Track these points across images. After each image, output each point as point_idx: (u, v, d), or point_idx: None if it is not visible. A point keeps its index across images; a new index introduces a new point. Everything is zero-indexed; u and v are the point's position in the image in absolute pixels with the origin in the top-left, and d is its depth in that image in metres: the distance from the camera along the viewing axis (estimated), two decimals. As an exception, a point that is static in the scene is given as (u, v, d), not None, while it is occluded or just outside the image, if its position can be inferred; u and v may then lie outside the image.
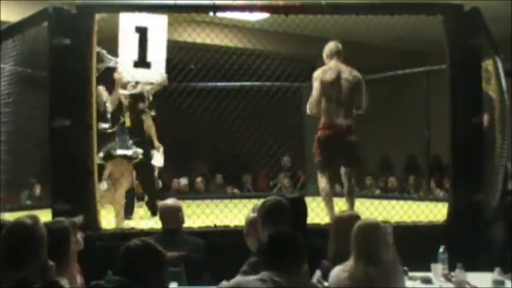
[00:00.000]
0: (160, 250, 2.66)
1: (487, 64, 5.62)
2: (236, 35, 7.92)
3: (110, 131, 5.50)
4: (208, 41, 6.99)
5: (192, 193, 8.92)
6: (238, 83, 7.98)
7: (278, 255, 2.78)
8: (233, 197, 7.88)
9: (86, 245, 3.39)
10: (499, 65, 5.54)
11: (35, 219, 2.69)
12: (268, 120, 8.09)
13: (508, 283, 3.63)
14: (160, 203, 4.47)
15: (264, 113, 8.10)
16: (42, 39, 4.93)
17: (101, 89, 5.51)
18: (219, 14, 6.49)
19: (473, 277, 3.64)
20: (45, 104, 4.90)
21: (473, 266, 3.83)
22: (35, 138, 5.89)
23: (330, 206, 5.36)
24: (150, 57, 5.34)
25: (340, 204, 5.57)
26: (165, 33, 5.38)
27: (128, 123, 5.69)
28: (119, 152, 5.47)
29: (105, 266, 3.43)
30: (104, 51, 5.50)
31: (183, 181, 9.96)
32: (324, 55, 5.50)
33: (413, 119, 9.11)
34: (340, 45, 5.48)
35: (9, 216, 5.06)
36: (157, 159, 6.24)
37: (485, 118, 5.64)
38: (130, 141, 5.57)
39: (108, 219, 5.26)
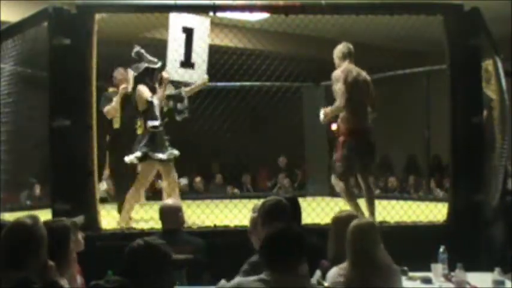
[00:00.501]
0: (164, 251, 2.64)
1: (487, 64, 5.62)
2: (236, 35, 7.90)
3: (160, 128, 5.44)
4: (208, 41, 6.98)
5: (192, 193, 8.91)
6: (238, 83, 7.98)
7: (276, 253, 2.74)
8: (233, 197, 7.88)
9: (86, 245, 3.40)
10: (499, 65, 5.54)
11: (35, 219, 2.69)
12: (268, 120, 8.09)
13: (508, 283, 3.63)
14: (161, 203, 4.47)
15: (263, 113, 8.11)
16: (42, 39, 4.93)
17: (142, 88, 5.47)
18: (219, 14, 6.48)
19: (473, 277, 3.64)
20: (45, 104, 4.91)
21: (473, 266, 3.83)
22: (35, 138, 5.89)
23: (355, 205, 5.19)
24: (194, 57, 5.38)
25: (341, 204, 5.56)
26: (208, 35, 5.39)
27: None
28: (159, 155, 5.36)
29: (105, 266, 3.44)
30: (142, 51, 5.50)
31: (183, 181, 9.96)
32: (336, 57, 5.34)
33: (413, 119, 9.11)
34: (351, 47, 5.35)
35: (9, 216, 5.06)
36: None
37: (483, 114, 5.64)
38: (167, 143, 5.51)
39: (107, 219, 5.26)
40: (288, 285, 2.67)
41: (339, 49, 5.35)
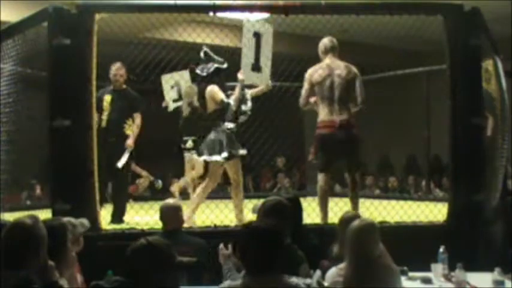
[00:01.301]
0: (168, 252, 2.58)
1: (487, 64, 5.62)
2: (236, 35, 7.90)
3: (235, 130, 5.65)
4: (208, 41, 6.98)
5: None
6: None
7: (251, 254, 2.62)
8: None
9: (86, 245, 3.40)
10: (499, 65, 5.54)
11: (35, 219, 2.69)
12: (268, 121, 8.08)
13: (508, 283, 3.63)
14: (161, 204, 4.46)
15: (263, 113, 8.09)
16: (42, 39, 4.93)
17: (215, 88, 5.58)
18: (219, 14, 6.49)
19: (473, 277, 3.64)
20: (45, 104, 4.90)
21: (473, 266, 3.83)
22: (35, 138, 5.89)
23: (324, 206, 5.28)
24: (261, 62, 5.46)
25: (341, 204, 5.56)
26: (271, 41, 5.46)
27: None
28: (239, 152, 5.62)
29: (105, 266, 3.44)
30: (210, 51, 5.65)
31: (183, 181, 9.96)
32: (319, 51, 5.42)
33: (413, 119, 9.11)
34: (335, 41, 5.40)
35: (9, 216, 5.06)
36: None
37: (490, 122, 5.65)
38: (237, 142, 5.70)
39: (107, 219, 5.26)
40: (263, 286, 2.57)
41: (322, 43, 5.42)
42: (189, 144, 6.65)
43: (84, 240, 3.39)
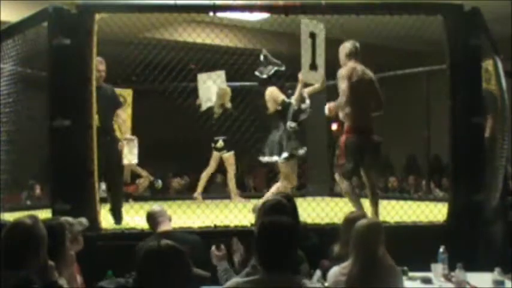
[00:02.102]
0: (187, 260, 2.34)
1: (487, 64, 5.62)
2: (236, 35, 7.92)
3: (296, 128, 5.81)
4: (208, 41, 6.99)
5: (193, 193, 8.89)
6: (238, 83, 7.97)
7: (266, 248, 2.53)
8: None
9: (86, 245, 3.40)
10: (499, 65, 5.54)
11: (35, 219, 2.69)
12: (268, 121, 8.08)
13: (508, 283, 3.63)
14: (147, 212, 4.44)
15: (264, 113, 8.09)
16: (42, 39, 4.93)
17: (275, 89, 5.82)
18: (219, 14, 6.48)
19: (473, 277, 3.65)
20: (45, 104, 4.90)
21: (473, 266, 3.84)
22: (35, 138, 5.89)
23: (358, 205, 5.16)
24: (317, 61, 5.52)
25: (341, 205, 5.56)
26: (324, 40, 5.50)
27: None
28: (300, 151, 5.79)
29: (105, 266, 3.45)
30: (269, 55, 5.84)
31: (183, 181, 9.98)
32: (342, 55, 5.31)
33: (413, 119, 9.11)
34: (358, 45, 5.31)
35: (9, 216, 5.06)
36: None
37: (489, 122, 5.65)
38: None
39: (107, 219, 5.26)
40: (281, 285, 2.50)
41: (345, 47, 5.31)
42: (220, 144, 7.12)
43: (84, 240, 3.39)
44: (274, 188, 5.82)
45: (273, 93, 5.81)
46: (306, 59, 5.45)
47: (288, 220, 2.68)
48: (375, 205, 5.27)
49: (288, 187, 5.78)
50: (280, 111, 5.80)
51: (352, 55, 5.27)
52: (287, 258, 2.54)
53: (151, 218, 4.31)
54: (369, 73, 5.31)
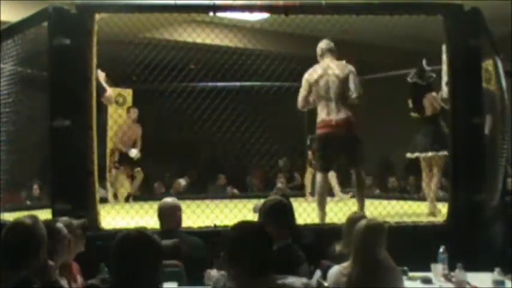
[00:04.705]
0: (159, 245, 2.40)
1: (487, 64, 5.62)
2: (236, 35, 7.91)
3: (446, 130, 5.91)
4: (208, 41, 7.00)
5: (193, 193, 8.91)
6: (238, 83, 7.98)
7: (243, 255, 2.50)
8: (233, 197, 7.88)
9: (86, 245, 3.40)
10: (499, 65, 5.54)
11: (35, 219, 2.69)
12: (268, 121, 8.09)
13: (508, 283, 3.63)
14: (160, 203, 4.45)
15: (264, 113, 8.10)
16: (42, 39, 4.93)
17: (436, 95, 6.06)
18: (219, 14, 6.49)
19: (473, 277, 3.64)
20: (45, 104, 4.90)
21: (473, 266, 3.83)
22: (35, 138, 5.89)
23: (322, 205, 5.28)
24: None
25: (341, 205, 5.56)
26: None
27: None
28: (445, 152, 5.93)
29: (105, 266, 3.44)
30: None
31: (183, 182, 9.97)
32: (317, 55, 5.54)
33: (413, 119, 9.08)
34: (331, 43, 5.52)
35: (9, 216, 5.06)
36: None
37: (489, 120, 5.65)
38: None
39: (107, 219, 5.26)
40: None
41: (318, 46, 5.55)
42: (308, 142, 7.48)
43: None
44: (436, 180, 6.03)
45: (432, 99, 6.03)
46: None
47: (253, 223, 2.72)
48: (360, 201, 5.35)
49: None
50: (436, 115, 6.02)
51: (324, 53, 5.51)
52: (263, 261, 2.46)
53: (161, 212, 4.30)
54: (343, 67, 5.42)
